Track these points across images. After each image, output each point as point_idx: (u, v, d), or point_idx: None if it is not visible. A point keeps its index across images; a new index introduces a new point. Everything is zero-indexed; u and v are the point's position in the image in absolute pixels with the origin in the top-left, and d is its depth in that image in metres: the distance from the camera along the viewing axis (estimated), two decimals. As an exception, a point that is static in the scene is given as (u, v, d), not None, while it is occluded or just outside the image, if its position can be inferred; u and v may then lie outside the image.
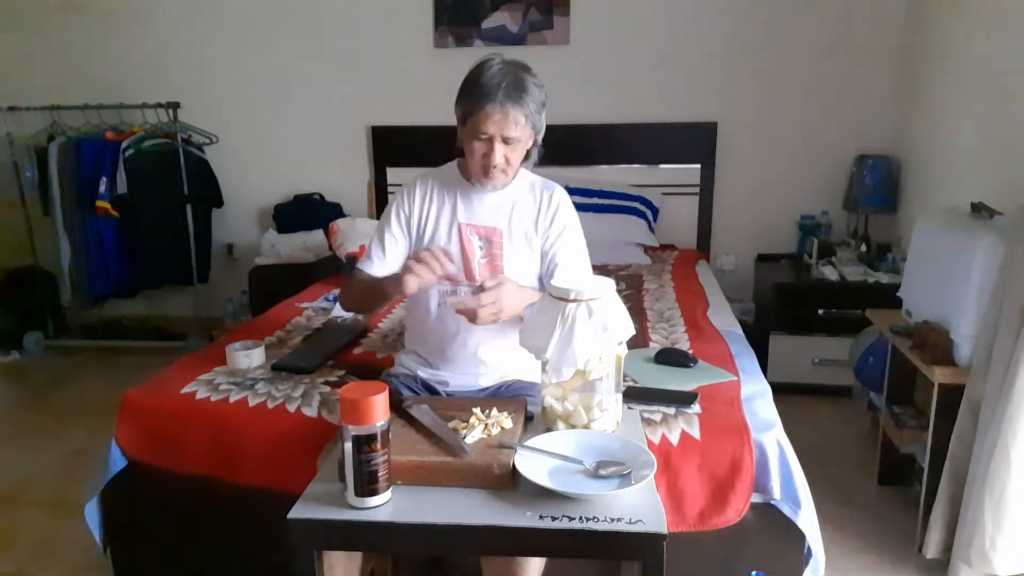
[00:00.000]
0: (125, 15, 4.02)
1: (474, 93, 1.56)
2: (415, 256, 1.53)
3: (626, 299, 2.72)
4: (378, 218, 3.94)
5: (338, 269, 3.37)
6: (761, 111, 3.68)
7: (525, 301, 1.55)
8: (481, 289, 1.51)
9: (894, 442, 2.40)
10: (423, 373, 1.77)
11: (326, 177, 4.08)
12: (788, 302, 3.27)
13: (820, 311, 3.23)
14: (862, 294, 3.11)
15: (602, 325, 1.29)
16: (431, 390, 1.74)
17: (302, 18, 3.93)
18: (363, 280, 1.75)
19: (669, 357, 2.09)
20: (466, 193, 1.73)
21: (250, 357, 2.10)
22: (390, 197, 4.01)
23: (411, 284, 1.51)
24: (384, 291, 1.69)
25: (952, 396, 1.99)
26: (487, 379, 1.75)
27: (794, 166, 3.71)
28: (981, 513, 1.80)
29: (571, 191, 3.54)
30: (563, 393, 1.36)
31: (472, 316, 1.50)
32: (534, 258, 1.74)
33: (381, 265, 1.75)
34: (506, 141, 1.59)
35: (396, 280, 1.58)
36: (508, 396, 1.68)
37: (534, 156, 1.71)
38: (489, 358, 1.73)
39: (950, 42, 3.02)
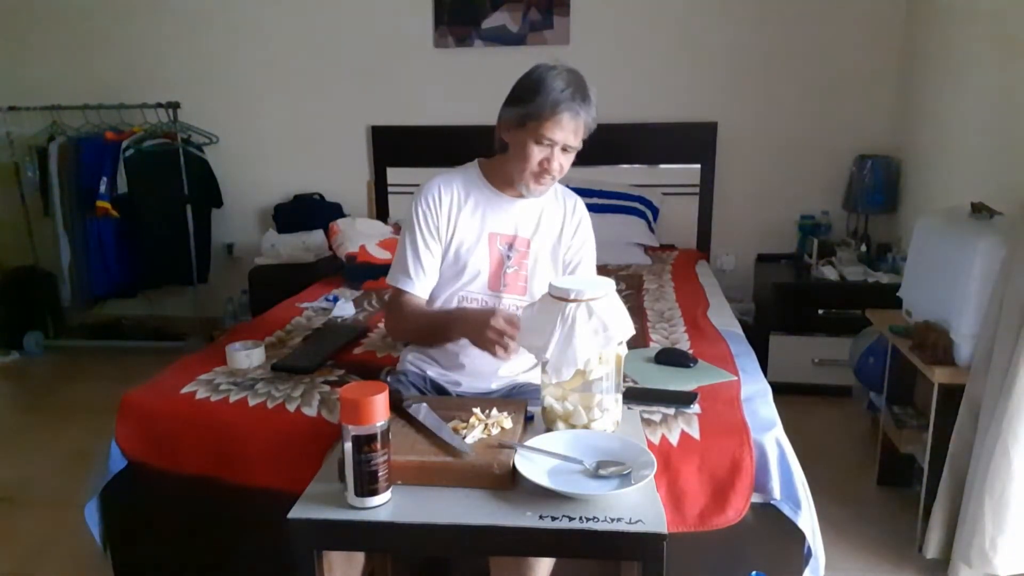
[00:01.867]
0: (125, 15, 4.03)
1: (544, 97, 1.52)
2: (498, 330, 1.46)
3: (626, 299, 2.72)
4: (378, 218, 3.99)
5: (338, 269, 3.37)
6: (761, 111, 3.68)
7: None
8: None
9: (894, 442, 2.40)
10: (432, 372, 1.76)
11: (326, 177, 4.08)
12: (788, 302, 3.27)
13: (820, 311, 3.23)
14: (862, 294, 3.11)
15: (602, 325, 1.29)
16: (440, 390, 1.74)
17: (302, 18, 3.93)
18: (423, 317, 1.70)
19: (669, 357, 2.08)
20: (494, 199, 1.70)
21: (250, 357, 2.10)
22: (390, 197, 4.02)
23: (501, 356, 1.49)
24: (448, 337, 1.66)
25: (952, 396, 1.99)
26: (499, 383, 1.74)
27: (794, 166, 3.72)
28: (981, 513, 1.80)
29: (571, 191, 3.58)
30: (563, 393, 1.36)
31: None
32: (558, 267, 1.75)
33: (424, 282, 1.70)
34: (565, 149, 1.57)
35: (457, 327, 1.59)
36: (517, 398, 1.68)
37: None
38: (505, 367, 1.72)
39: (950, 42, 3.02)
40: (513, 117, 1.59)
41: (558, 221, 1.74)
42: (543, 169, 1.59)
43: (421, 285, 1.70)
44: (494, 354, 1.49)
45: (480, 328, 1.49)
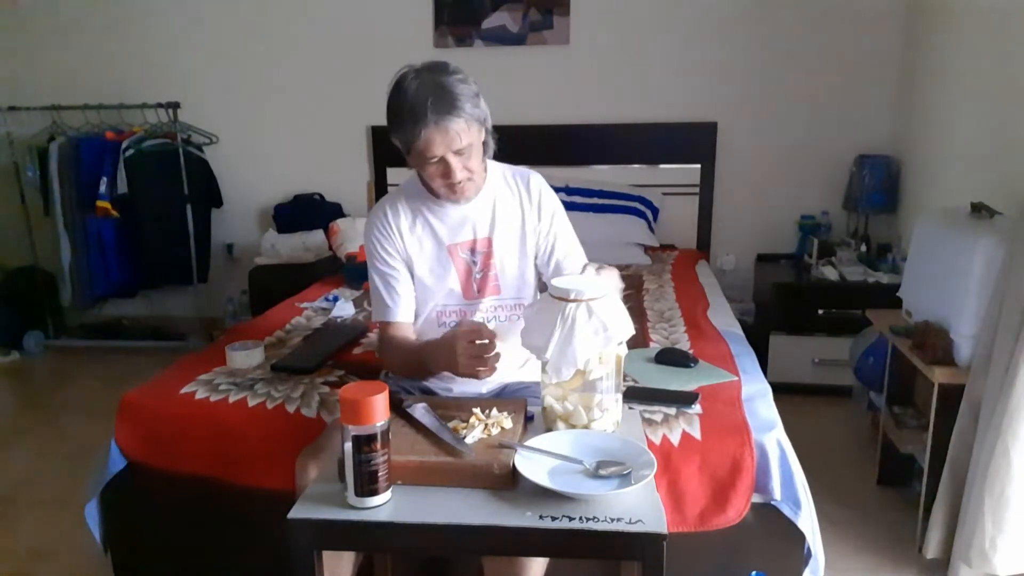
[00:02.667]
0: (125, 15, 4.03)
1: (405, 121, 1.47)
2: (468, 353, 1.43)
3: (626, 299, 2.71)
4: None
5: (338, 269, 3.37)
6: (761, 111, 3.68)
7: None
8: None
9: (894, 442, 2.40)
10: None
11: (326, 177, 4.08)
12: (788, 302, 3.27)
13: (820, 311, 3.23)
14: (862, 294, 3.11)
15: (602, 325, 1.29)
16: (432, 394, 1.73)
17: (302, 18, 3.93)
18: (405, 351, 1.66)
19: (669, 357, 2.08)
20: (441, 210, 1.66)
21: (250, 357, 2.10)
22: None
23: (484, 376, 1.47)
24: (429, 370, 1.64)
25: (952, 396, 1.99)
26: (489, 386, 1.73)
27: (794, 166, 3.71)
28: (981, 513, 1.80)
29: (571, 191, 3.60)
30: (563, 393, 1.36)
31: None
32: (526, 255, 1.70)
33: (404, 305, 1.67)
34: (458, 153, 1.50)
35: (432, 362, 1.56)
36: (510, 397, 1.68)
37: (492, 145, 1.62)
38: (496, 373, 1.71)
39: (950, 42, 3.02)
40: (398, 146, 1.55)
41: (516, 209, 1.69)
42: (449, 183, 1.54)
43: (402, 310, 1.67)
44: (478, 377, 1.46)
45: (451, 358, 1.46)
